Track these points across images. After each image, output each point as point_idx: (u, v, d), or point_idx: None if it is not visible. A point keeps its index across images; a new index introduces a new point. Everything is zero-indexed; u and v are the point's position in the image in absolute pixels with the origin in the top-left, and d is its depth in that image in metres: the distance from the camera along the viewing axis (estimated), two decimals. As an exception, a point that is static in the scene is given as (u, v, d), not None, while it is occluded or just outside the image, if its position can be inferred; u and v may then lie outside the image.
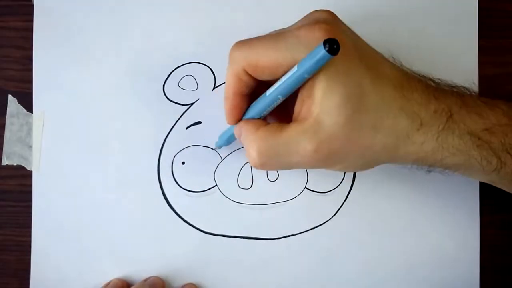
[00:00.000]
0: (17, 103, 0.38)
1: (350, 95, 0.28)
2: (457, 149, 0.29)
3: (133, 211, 0.37)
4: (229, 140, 0.35)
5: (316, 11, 0.31)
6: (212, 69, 0.38)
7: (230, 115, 0.32)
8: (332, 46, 0.25)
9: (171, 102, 0.38)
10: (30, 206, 0.37)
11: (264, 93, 0.30)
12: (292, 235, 0.38)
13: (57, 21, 0.38)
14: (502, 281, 0.38)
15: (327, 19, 0.30)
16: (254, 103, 0.31)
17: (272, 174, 0.37)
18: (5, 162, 0.38)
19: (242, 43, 0.30)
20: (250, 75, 0.30)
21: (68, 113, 0.38)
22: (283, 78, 0.28)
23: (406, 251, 0.38)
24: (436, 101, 0.29)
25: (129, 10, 0.38)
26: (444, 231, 0.38)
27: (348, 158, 0.29)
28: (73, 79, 0.38)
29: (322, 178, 0.38)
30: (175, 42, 0.38)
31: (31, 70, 0.38)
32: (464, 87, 0.32)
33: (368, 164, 0.31)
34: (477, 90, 0.37)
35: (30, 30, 0.38)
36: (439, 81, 0.32)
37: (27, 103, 0.38)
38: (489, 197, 0.38)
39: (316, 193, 0.38)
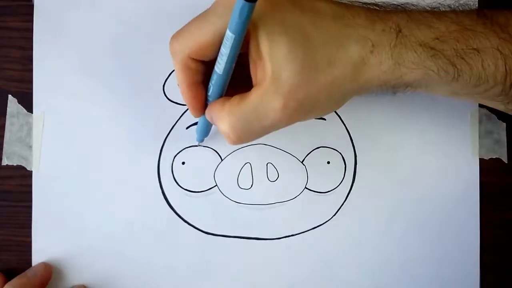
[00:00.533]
0: (17, 103, 0.38)
1: (295, 40, 0.27)
2: (413, 62, 0.28)
3: (133, 211, 0.37)
4: (206, 130, 0.35)
5: None
6: (212, 69, 0.38)
7: (193, 107, 0.32)
8: None
9: (171, 102, 0.38)
10: (30, 206, 0.37)
11: (213, 71, 0.30)
12: (292, 235, 0.38)
13: (57, 21, 0.38)
14: (502, 281, 0.38)
15: None
16: (209, 85, 0.31)
17: (272, 174, 0.37)
18: (5, 162, 0.38)
19: (178, 33, 0.30)
20: (197, 60, 0.30)
21: (68, 113, 0.38)
22: (222, 48, 0.28)
23: (406, 251, 0.38)
24: (381, 21, 0.29)
25: (129, 10, 0.38)
26: (444, 231, 0.38)
27: (317, 103, 0.29)
28: (73, 79, 0.38)
29: (322, 178, 0.38)
30: (175, 42, 0.38)
31: (31, 70, 0.38)
32: (412, 4, 0.32)
33: (338, 101, 0.30)
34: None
35: (30, 30, 0.38)
36: (384, 4, 0.31)
37: (27, 103, 0.38)
38: (489, 197, 0.38)
39: (316, 193, 0.38)
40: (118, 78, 0.38)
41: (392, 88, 0.30)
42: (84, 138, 0.38)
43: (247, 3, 0.25)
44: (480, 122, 0.38)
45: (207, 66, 0.31)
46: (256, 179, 0.38)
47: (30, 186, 0.38)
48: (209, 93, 0.31)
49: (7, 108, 0.38)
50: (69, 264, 0.37)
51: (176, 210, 0.38)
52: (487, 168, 0.38)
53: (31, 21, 0.38)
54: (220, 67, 0.29)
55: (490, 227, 0.38)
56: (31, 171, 0.38)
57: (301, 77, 0.28)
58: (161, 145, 0.38)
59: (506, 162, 0.38)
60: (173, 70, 0.38)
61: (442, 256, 0.38)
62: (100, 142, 0.38)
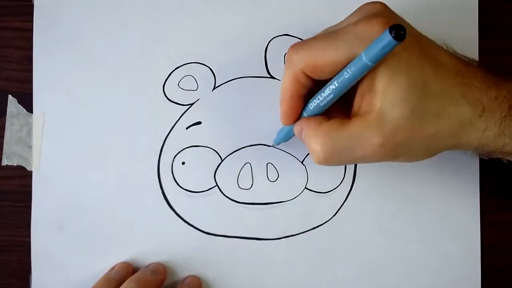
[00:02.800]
0: (17, 103, 0.38)
1: (414, 85, 0.28)
2: None
3: (133, 211, 0.37)
4: (286, 136, 0.35)
5: (369, 3, 0.30)
6: (212, 69, 0.38)
7: (286, 116, 0.32)
8: (398, 32, 0.24)
9: (171, 102, 0.38)
10: (30, 206, 0.37)
11: (323, 89, 0.30)
12: (292, 235, 0.38)
13: (57, 21, 0.38)
14: (504, 281, 0.38)
15: (382, 12, 0.29)
16: (312, 100, 0.31)
17: (272, 174, 0.37)
18: (5, 162, 0.38)
19: (299, 45, 0.30)
20: (308, 76, 0.30)
21: (68, 113, 0.38)
22: (344, 72, 0.28)
23: (407, 251, 0.38)
24: (496, 87, 0.29)
25: (129, 10, 0.38)
26: (444, 231, 0.38)
27: (413, 149, 0.29)
28: (73, 79, 0.38)
29: (322, 178, 0.38)
30: (175, 42, 0.38)
31: (31, 70, 0.38)
32: None
33: (432, 152, 0.30)
34: None
35: (30, 30, 0.38)
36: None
37: (27, 103, 0.38)
38: (489, 197, 0.38)
39: (316, 193, 0.38)
40: (118, 78, 0.38)
41: (487, 153, 0.31)
42: (84, 138, 0.38)
43: (394, 41, 0.24)
44: (480, 122, 0.38)
45: (315, 83, 0.31)
46: (256, 179, 0.38)
47: (30, 186, 0.37)
48: (308, 108, 0.31)
49: (7, 108, 0.38)
50: (69, 264, 0.37)
51: (176, 210, 0.38)
52: (487, 168, 0.38)
53: (31, 21, 0.38)
54: (333, 88, 0.29)
55: (490, 227, 0.38)
56: (31, 171, 0.38)
57: (407, 122, 0.28)
58: (161, 145, 0.38)
59: (506, 162, 0.38)
60: (173, 70, 0.38)
61: (443, 256, 0.38)
62: (100, 142, 0.38)
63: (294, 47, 0.30)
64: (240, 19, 0.38)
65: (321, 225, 0.38)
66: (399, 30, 0.24)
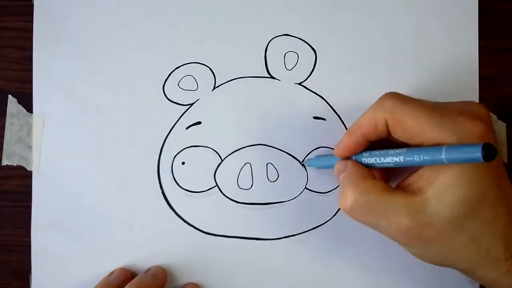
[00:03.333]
0: (17, 103, 0.38)
1: (471, 198, 0.27)
2: None
3: (133, 211, 0.37)
4: (324, 165, 0.35)
5: (476, 104, 0.31)
6: (212, 69, 0.38)
7: (343, 149, 0.32)
8: (489, 152, 0.24)
9: (171, 102, 0.38)
10: (30, 206, 0.37)
11: (390, 150, 0.29)
12: (292, 235, 0.38)
13: (57, 21, 0.38)
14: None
15: (485, 118, 0.29)
16: (374, 152, 0.31)
17: (272, 174, 0.37)
18: (5, 162, 0.38)
19: (397, 96, 0.30)
20: (386, 127, 0.30)
21: (68, 113, 0.38)
22: (422, 152, 0.28)
23: (406, 251, 0.38)
24: None
25: (129, 10, 0.38)
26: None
27: (430, 250, 0.29)
28: (73, 79, 0.38)
29: (322, 178, 0.38)
30: (175, 42, 0.38)
31: (31, 70, 0.38)
32: None
33: (443, 263, 0.30)
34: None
35: (30, 30, 0.38)
36: None
37: (27, 103, 0.38)
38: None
39: (316, 193, 0.38)
40: (118, 78, 0.38)
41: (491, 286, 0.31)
42: (84, 138, 0.38)
43: (481, 159, 0.25)
44: (480, 122, 0.38)
45: (387, 136, 0.31)
46: (256, 179, 0.38)
47: (30, 186, 0.37)
48: (365, 154, 0.31)
49: (7, 108, 0.38)
50: (69, 264, 0.37)
51: (176, 210, 0.38)
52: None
53: (31, 21, 0.38)
54: (397, 162, 0.29)
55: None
56: (31, 171, 0.38)
57: (443, 224, 0.28)
58: (161, 145, 0.38)
59: (506, 162, 0.38)
60: (173, 70, 0.38)
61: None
62: (100, 142, 0.38)
63: (392, 94, 0.30)
64: (240, 19, 0.38)
65: (321, 225, 0.38)
66: (490, 150, 0.24)
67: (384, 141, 0.32)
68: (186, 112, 0.38)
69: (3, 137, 0.38)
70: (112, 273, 0.36)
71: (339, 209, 0.38)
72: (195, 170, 0.38)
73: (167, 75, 0.38)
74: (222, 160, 0.38)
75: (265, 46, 0.38)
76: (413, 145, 0.29)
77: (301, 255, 0.38)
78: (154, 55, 0.38)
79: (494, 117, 0.38)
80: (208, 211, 0.38)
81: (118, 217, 0.37)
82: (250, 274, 0.37)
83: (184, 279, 0.37)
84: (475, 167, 0.27)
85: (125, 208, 0.37)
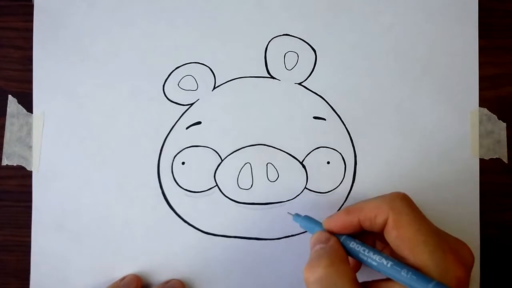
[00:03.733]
0: (17, 103, 0.38)
1: None
2: None
3: (133, 211, 0.37)
4: (307, 228, 0.34)
5: (468, 248, 0.31)
6: (212, 69, 0.38)
7: (335, 224, 0.31)
8: None
9: (171, 102, 0.38)
10: (30, 206, 0.37)
11: (381, 253, 0.30)
12: (292, 235, 0.38)
13: (57, 21, 0.38)
14: (502, 281, 0.38)
15: (470, 267, 0.30)
16: (364, 244, 0.31)
17: (272, 174, 0.37)
18: (5, 162, 0.38)
19: (410, 202, 0.30)
20: (384, 225, 0.30)
21: (68, 113, 0.38)
22: (412, 272, 0.28)
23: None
24: None
25: (129, 10, 0.38)
26: (444, 231, 0.38)
27: None
28: (73, 79, 0.38)
29: (322, 178, 0.38)
30: (175, 42, 0.38)
31: (31, 70, 0.38)
32: None
33: None
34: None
35: (30, 30, 0.38)
36: None
37: (27, 103, 0.38)
38: (489, 197, 0.38)
39: (316, 193, 0.38)
40: (118, 78, 0.38)
41: None
42: (84, 138, 0.38)
43: None
44: (480, 122, 0.38)
45: (379, 233, 0.31)
46: (256, 179, 0.38)
47: (30, 186, 0.38)
48: (354, 242, 0.31)
49: (7, 108, 0.38)
50: (69, 264, 0.37)
51: (176, 210, 0.38)
52: (487, 168, 0.38)
53: (31, 21, 0.38)
54: (384, 265, 0.29)
55: (490, 227, 0.38)
56: (31, 171, 0.38)
57: None
58: (161, 145, 0.38)
59: (506, 162, 0.38)
60: (173, 70, 0.38)
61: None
62: (100, 142, 0.38)
63: (405, 197, 0.30)
64: (240, 19, 0.38)
65: (321, 225, 0.38)
66: None
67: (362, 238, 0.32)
68: (186, 112, 0.38)
69: (3, 137, 0.38)
70: (123, 278, 0.36)
71: (339, 209, 0.38)
72: (195, 170, 0.38)
73: (167, 75, 0.38)
74: (222, 160, 0.38)
75: (265, 46, 0.38)
76: (396, 254, 0.29)
77: (301, 255, 0.38)
78: (154, 55, 0.38)
79: (494, 117, 0.38)
80: (208, 211, 0.38)
81: (118, 217, 0.37)
82: (250, 274, 0.37)
83: (184, 279, 0.37)
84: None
85: (125, 208, 0.37)
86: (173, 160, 0.38)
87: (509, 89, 0.38)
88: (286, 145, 0.38)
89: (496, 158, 0.38)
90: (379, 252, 0.30)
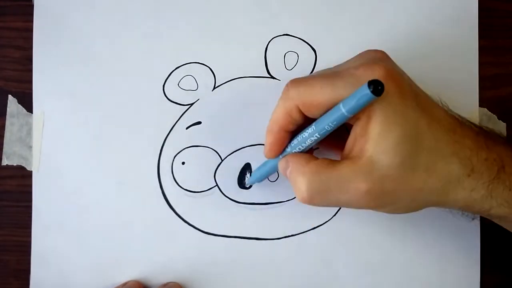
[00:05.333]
0: (17, 103, 0.38)
1: (407, 136, 0.28)
2: (506, 200, 0.29)
3: (133, 211, 0.37)
4: (262, 175, 0.35)
5: (371, 50, 0.31)
6: (212, 69, 0.38)
7: (271, 149, 0.32)
8: (376, 87, 0.25)
9: (171, 102, 0.38)
10: (30, 206, 0.37)
11: (309, 127, 0.30)
12: (292, 235, 0.38)
13: (57, 21, 0.38)
14: (502, 282, 0.38)
15: (384, 59, 0.30)
16: (298, 137, 0.31)
17: (272, 174, 0.37)
18: (5, 162, 0.38)
19: (298, 81, 0.30)
20: (301, 113, 0.30)
21: (68, 113, 0.38)
22: (329, 115, 0.28)
23: (406, 251, 0.38)
24: (487, 149, 0.29)
25: (129, 10, 0.38)
26: (444, 231, 0.38)
27: (399, 200, 0.29)
28: (73, 79, 0.38)
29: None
30: (175, 42, 0.38)
31: (31, 70, 0.38)
32: None
33: (417, 206, 0.30)
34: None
35: (30, 30, 0.38)
36: (488, 129, 0.32)
37: (27, 103, 0.38)
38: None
39: (316, 193, 0.38)
40: (118, 78, 0.38)
41: (472, 213, 0.31)
42: (84, 138, 0.38)
43: (371, 95, 0.25)
44: (480, 122, 0.38)
45: (306, 120, 0.30)
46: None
47: (30, 186, 0.38)
48: (294, 144, 0.31)
49: (7, 108, 0.38)
50: (69, 264, 0.37)
51: (176, 210, 0.38)
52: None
53: (31, 21, 0.38)
54: (319, 129, 0.29)
55: (490, 227, 0.38)
56: (31, 171, 0.38)
57: (396, 172, 0.28)
58: (161, 145, 0.38)
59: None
60: (173, 70, 0.38)
61: (442, 256, 0.38)
62: (100, 142, 0.38)
63: (293, 81, 0.30)
64: (240, 19, 0.38)
65: (321, 225, 0.38)
66: (377, 85, 0.25)
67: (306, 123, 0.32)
68: (186, 112, 0.38)
69: (3, 137, 0.38)
70: (125, 284, 0.36)
71: (339, 209, 0.38)
72: (195, 170, 0.38)
73: (167, 75, 0.38)
74: (222, 160, 0.38)
75: (265, 46, 0.38)
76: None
77: (301, 255, 0.38)
78: (154, 55, 0.38)
79: (494, 117, 0.38)
80: (208, 211, 0.38)
81: (118, 217, 0.37)
82: (250, 274, 0.37)
83: (184, 278, 0.37)
84: (394, 107, 0.27)
85: (125, 208, 0.37)
86: (173, 160, 0.38)
87: (509, 89, 0.38)
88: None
89: (496, 158, 0.38)
90: (305, 135, 0.30)
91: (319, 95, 0.28)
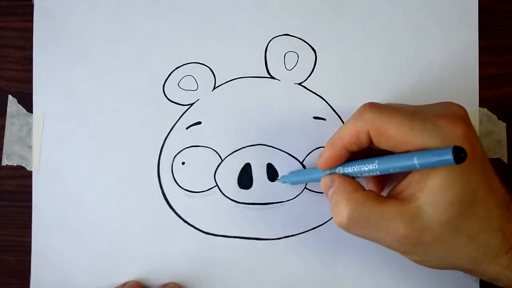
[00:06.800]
0: (17, 103, 0.38)
1: (463, 199, 0.27)
2: None
3: (133, 211, 0.37)
4: (300, 181, 0.35)
5: (454, 104, 0.31)
6: (212, 69, 0.38)
7: (327, 163, 0.32)
8: (459, 154, 0.25)
9: (171, 102, 0.38)
10: (30, 206, 0.37)
11: (371, 163, 0.29)
12: (292, 235, 0.38)
13: (57, 21, 0.38)
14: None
15: (466, 119, 0.29)
16: (356, 166, 0.30)
17: (272, 174, 0.37)
18: (5, 162, 0.38)
19: (377, 107, 0.30)
20: (369, 138, 0.30)
21: (68, 113, 0.38)
22: (396, 160, 0.28)
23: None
24: None
25: (129, 10, 0.38)
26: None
27: (430, 255, 0.29)
28: (73, 79, 0.38)
29: (322, 178, 0.38)
30: (175, 42, 0.38)
31: (31, 70, 0.38)
32: None
33: (445, 266, 0.30)
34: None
35: (30, 30, 0.38)
36: None
37: (27, 103, 0.38)
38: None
39: (316, 193, 0.38)
40: (118, 78, 0.38)
41: (495, 284, 0.30)
42: (84, 138, 0.38)
43: (453, 162, 0.25)
44: (480, 122, 0.38)
45: (369, 146, 0.31)
46: (256, 179, 0.38)
47: (30, 186, 0.38)
48: (348, 171, 0.31)
49: (7, 108, 0.38)
50: (69, 264, 0.37)
51: (176, 210, 0.38)
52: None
53: (31, 21, 0.38)
54: (382, 169, 0.29)
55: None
56: (31, 171, 0.38)
57: (439, 228, 0.28)
58: (161, 145, 0.38)
59: (506, 162, 0.38)
60: (173, 70, 0.38)
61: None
62: (100, 142, 0.38)
63: (372, 105, 0.30)
64: (240, 19, 0.38)
65: (321, 225, 0.38)
66: (460, 153, 0.25)
67: (367, 149, 0.32)
68: (186, 112, 0.38)
69: (3, 137, 0.38)
70: (125, 284, 0.36)
71: (339, 209, 0.38)
72: (195, 170, 0.38)
73: (167, 75, 0.38)
74: (222, 160, 0.38)
75: (265, 46, 0.38)
76: (399, 153, 0.29)
77: (301, 255, 0.38)
78: (154, 55, 0.38)
79: (494, 117, 0.38)
80: (208, 211, 0.38)
81: (118, 217, 0.37)
82: (250, 274, 0.37)
83: (184, 278, 0.37)
84: (462, 167, 0.27)
85: (125, 208, 0.37)
86: (173, 160, 0.38)
87: (509, 89, 0.38)
88: (286, 145, 0.38)
89: (496, 158, 0.38)
90: (365, 164, 0.30)
91: (395, 129, 0.28)
